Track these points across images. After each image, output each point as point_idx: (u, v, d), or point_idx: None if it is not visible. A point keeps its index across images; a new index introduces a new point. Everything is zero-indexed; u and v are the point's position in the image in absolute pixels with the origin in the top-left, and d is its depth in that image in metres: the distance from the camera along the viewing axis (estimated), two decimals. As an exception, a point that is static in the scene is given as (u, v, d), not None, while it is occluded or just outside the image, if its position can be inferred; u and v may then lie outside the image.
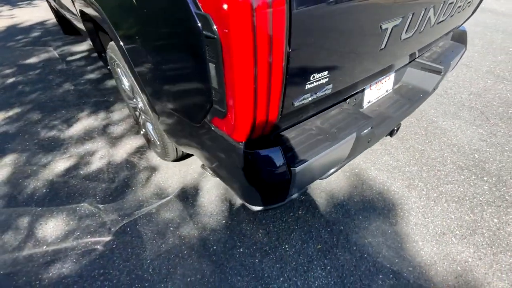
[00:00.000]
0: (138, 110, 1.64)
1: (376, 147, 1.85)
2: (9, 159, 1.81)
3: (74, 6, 1.58)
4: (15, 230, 1.38)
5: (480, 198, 1.52)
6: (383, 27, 0.73)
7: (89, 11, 1.22)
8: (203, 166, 1.24)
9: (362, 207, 1.48)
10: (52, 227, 1.39)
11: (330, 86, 0.74)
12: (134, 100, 1.58)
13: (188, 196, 1.54)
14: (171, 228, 1.38)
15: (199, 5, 0.54)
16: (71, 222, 1.41)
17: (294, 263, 1.24)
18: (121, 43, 0.99)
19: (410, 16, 0.81)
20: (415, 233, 1.35)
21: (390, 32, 0.78)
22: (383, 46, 0.80)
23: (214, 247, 1.30)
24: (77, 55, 3.24)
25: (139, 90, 1.16)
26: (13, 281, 1.19)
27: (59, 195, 1.56)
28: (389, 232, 1.36)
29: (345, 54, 0.71)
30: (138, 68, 1.00)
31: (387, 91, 1.35)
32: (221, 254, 1.28)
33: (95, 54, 3.20)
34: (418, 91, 1.36)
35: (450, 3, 0.99)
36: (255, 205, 0.92)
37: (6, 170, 1.72)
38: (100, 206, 1.49)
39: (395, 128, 1.30)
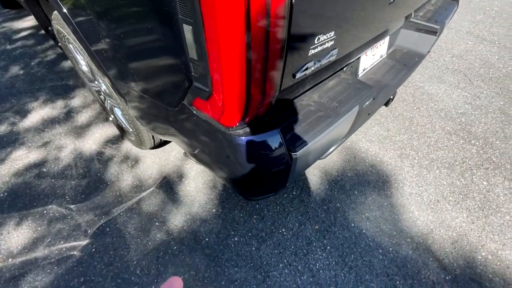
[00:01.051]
0: (102, 93, 1.42)
1: (365, 117, 1.78)
2: (-47, 161, 1.54)
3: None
4: (-29, 244, 1.19)
5: (469, 162, 1.52)
6: (397, -28, 0.59)
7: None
8: (185, 154, 1.09)
9: (356, 181, 1.43)
10: (17, 236, 1.21)
11: (336, 50, 0.61)
12: (96, 82, 1.35)
13: (171, 186, 1.41)
14: (157, 223, 1.26)
15: None
16: (40, 228, 1.24)
17: (293, 247, 1.19)
18: (65, 10, 0.77)
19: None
20: (411, 203, 1.34)
21: (402, -19, 0.64)
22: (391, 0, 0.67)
23: (207, 239, 1.21)
24: (23, 32, 2.78)
25: (98, 70, 0.96)
26: (-24, 302, 1.04)
27: (21, 198, 1.36)
28: (385, 205, 1.33)
29: (355, 8, 0.57)
30: (92, 42, 0.80)
31: (381, 56, 1.24)
32: (215, 245, 1.19)
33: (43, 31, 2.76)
34: (413, 55, 1.26)
35: None
36: (252, 197, 0.81)
37: (-50, 175, 1.47)
38: (72, 206, 1.32)
39: (391, 97, 1.21)
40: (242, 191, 0.76)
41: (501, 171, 1.47)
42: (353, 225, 1.26)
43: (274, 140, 0.62)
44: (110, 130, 1.70)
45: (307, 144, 0.69)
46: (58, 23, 1.13)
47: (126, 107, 1.04)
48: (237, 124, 0.60)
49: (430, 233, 1.23)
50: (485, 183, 1.42)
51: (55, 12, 1.08)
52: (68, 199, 1.35)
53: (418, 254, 1.16)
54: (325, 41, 0.55)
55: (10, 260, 1.14)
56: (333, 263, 1.14)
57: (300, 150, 0.68)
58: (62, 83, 2.09)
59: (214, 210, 1.31)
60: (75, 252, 1.17)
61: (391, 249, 1.18)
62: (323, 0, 0.47)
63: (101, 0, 0.60)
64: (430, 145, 1.62)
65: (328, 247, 1.18)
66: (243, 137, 0.60)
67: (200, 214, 1.29)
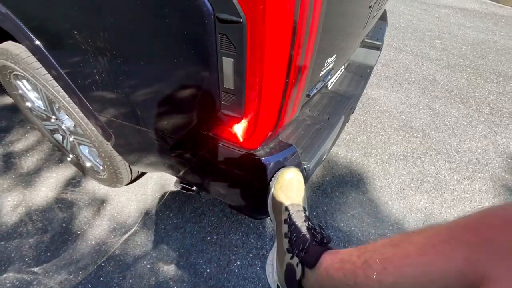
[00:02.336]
0: (60, 132, 1.26)
1: (328, 124, 1.96)
2: None
3: None
4: None
5: (417, 152, 1.80)
6: (370, 4, 0.72)
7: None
8: (176, 184, 1.04)
9: (335, 183, 1.55)
10: (-36, 323, 0.96)
11: (333, 70, 0.69)
12: (53, 120, 1.20)
13: (156, 221, 1.30)
14: (148, 265, 1.14)
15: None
16: (-5, 306, 1.00)
17: (295, 257, 1.21)
18: (37, 43, 0.69)
19: (381, -7, 0.82)
20: (383, 195, 1.51)
21: (371, 9, 0.77)
22: (365, 24, 0.79)
23: (208, 270, 1.15)
24: None
25: (73, 106, 0.86)
26: None
27: (-40, 274, 1.08)
28: (364, 201, 1.47)
29: (346, 35, 0.67)
30: (75, 76, 0.72)
31: (341, 70, 1.41)
32: (218, 275, 1.14)
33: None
34: (365, 67, 1.47)
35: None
36: (263, 215, 0.82)
37: None
38: (36, 269, 1.11)
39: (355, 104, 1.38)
40: (255, 211, 0.77)
41: (441, 156, 1.77)
42: (342, 224, 1.35)
43: (294, 156, 0.66)
44: (68, 172, 1.49)
45: (315, 155, 0.75)
46: (6, 59, 0.98)
47: (105, 144, 0.95)
48: (259, 146, 0.62)
49: (405, 218, 1.40)
50: (432, 167, 1.70)
51: (2, 45, 0.95)
52: (29, 262, 1.13)
53: (401, 239, 1.31)
54: (330, 63, 0.62)
55: None
56: (335, 264, 1.20)
57: (312, 162, 0.73)
58: (-8, 125, 1.76)
59: (208, 238, 1.26)
60: (52, 323, 0.97)
61: (379, 239, 1.30)
62: (335, 29, 0.55)
63: (108, 35, 0.56)
64: (385, 142, 1.86)
65: (327, 250, 1.24)
66: (268, 157, 0.62)
67: (195, 245, 1.22)
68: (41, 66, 0.79)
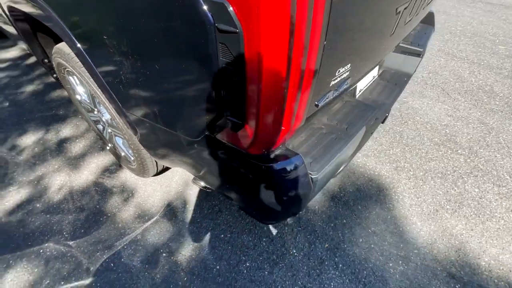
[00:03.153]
0: (101, 123, 1.40)
1: (359, 133, 1.86)
2: None
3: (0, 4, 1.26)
4: (-42, 293, 1.09)
5: (459, 171, 1.61)
6: (398, 10, 0.67)
7: (25, 7, 0.96)
8: (194, 180, 1.09)
9: (358, 196, 1.47)
10: (12, 281, 1.13)
11: (350, 80, 0.66)
12: (96, 112, 1.34)
13: (176, 213, 1.38)
14: (164, 254, 1.22)
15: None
16: (36, 269, 1.16)
17: (305, 267, 1.18)
18: (79, 45, 0.78)
19: (415, -2, 0.76)
20: (412, 214, 1.38)
21: (400, 16, 0.72)
22: (392, 31, 0.74)
23: (217, 267, 1.18)
24: (6, 63, 2.72)
25: (106, 101, 0.96)
26: None
27: (14, 238, 1.27)
28: (389, 218, 1.37)
29: (364, 43, 0.64)
30: (109, 77, 0.81)
31: (373, 77, 1.33)
32: (227, 273, 1.16)
33: (31, 61, 2.71)
34: (402, 75, 1.36)
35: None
36: (273, 221, 0.81)
37: None
38: (71, 243, 1.26)
39: (387, 114, 1.29)
40: (265, 216, 0.77)
41: (489, 178, 1.57)
42: (361, 240, 1.28)
43: (299, 165, 0.65)
44: (107, 159, 1.66)
45: (325, 167, 0.73)
46: (59, 57, 1.13)
47: (133, 138, 1.04)
48: (264, 152, 0.62)
49: (435, 243, 1.27)
50: (476, 190, 1.51)
51: (60, 45, 1.09)
52: (66, 235, 1.28)
53: (426, 265, 1.19)
54: (343, 72, 0.60)
55: (5, 308, 1.05)
56: (347, 281, 1.14)
57: (321, 173, 0.71)
58: (52, 113, 2.03)
59: (222, 235, 1.29)
60: (78, 293, 1.09)
61: (400, 262, 1.20)
62: (346, 39, 0.53)
63: (117, 41, 0.62)
64: (422, 156, 1.70)
65: (340, 265, 1.19)
66: (273, 164, 0.62)
67: (208, 240, 1.27)
68: (84, 65, 0.89)
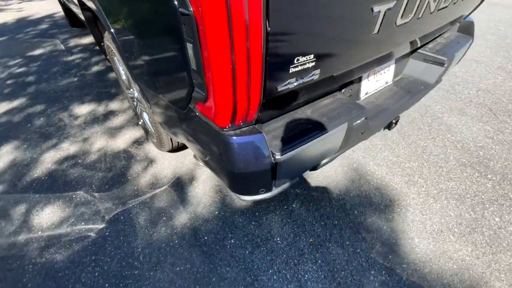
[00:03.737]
0: (135, 99, 1.64)
1: (376, 141, 1.81)
2: (11, 147, 1.84)
3: (74, -5, 1.58)
4: (12, 215, 1.41)
5: (482, 196, 1.46)
6: (375, 9, 0.70)
7: (87, 1, 1.22)
8: (195, 156, 1.23)
9: (358, 202, 1.45)
10: (48, 214, 1.41)
11: (318, 71, 0.71)
12: (131, 89, 1.58)
13: (182, 186, 1.54)
14: (164, 218, 1.39)
15: (175, -19, 0.52)
16: (67, 210, 1.43)
17: (284, 256, 1.23)
18: (112, 30, 0.98)
19: (406, 0, 0.77)
20: (411, 230, 1.32)
21: (383, 16, 0.74)
22: (375, 31, 0.76)
23: (205, 238, 1.30)
24: (82, 47, 3.27)
25: (132, 79, 1.16)
26: (7, 264, 1.22)
27: (57, 183, 1.58)
28: (384, 228, 1.33)
29: (333, 38, 0.68)
30: (128, 55, 0.99)
31: (386, 83, 1.31)
32: (212, 244, 1.27)
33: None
34: (419, 83, 1.31)
35: (452, -11, 0.94)
36: (241, 194, 0.90)
37: (7, 158, 1.76)
38: (96, 194, 1.51)
39: (393, 121, 1.26)
40: (231, 186, 0.86)
41: (517, 209, 1.39)
42: (348, 243, 1.27)
43: (259, 142, 0.72)
44: (137, 133, 1.92)
45: (291, 151, 0.79)
46: (108, 40, 1.38)
47: (150, 111, 1.22)
48: (229, 125, 0.71)
49: (429, 262, 1.20)
50: (497, 219, 1.36)
51: (107, 32, 1.34)
52: (94, 188, 1.54)
53: (412, 281, 1.14)
54: (305, 62, 0.66)
55: (39, 232, 1.33)
56: (322, 276, 1.15)
57: (285, 155, 0.77)
58: (106, 90, 2.41)
59: (216, 212, 1.41)
60: (91, 234, 1.32)
61: (383, 272, 1.17)
62: (299, 30, 0.59)
63: (136, 24, 0.79)
64: (441, 175, 1.59)
65: (320, 261, 1.21)
66: (233, 137, 0.71)
67: (204, 214, 1.40)
68: (116, 47, 1.10)
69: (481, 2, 1.41)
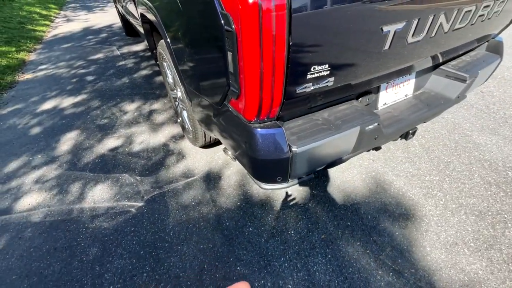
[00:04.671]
0: (177, 100, 1.89)
1: (398, 153, 1.85)
2: (74, 134, 2.19)
3: (137, 11, 1.90)
4: (72, 188, 1.70)
5: (505, 216, 1.44)
6: (385, 29, 0.82)
7: (149, 15, 1.49)
8: (224, 150, 1.41)
9: (373, 208, 1.51)
10: (99, 189, 1.68)
11: (332, 79, 0.85)
12: (175, 91, 1.83)
13: (211, 178, 1.73)
14: (193, 203, 1.57)
15: (223, 6, 0.71)
16: (114, 188, 1.69)
17: (297, 247, 1.33)
18: (168, 40, 1.22)
19: (416, 21, 0.88)
20: (424, 239, 1.35)
21: (393, 35, 0.86)
22: (386, 47, 0.88)
23: (227, 223, 1.46)
24: (133, 53, 3.72)
25: (179, 80, 1.38)
26: (66, 226, 1.48)
27: (108, 165, 1.86)
28: (396, 234, 1.37)
29: (345, 52, 0.82)
30: (179, 60, 1.22)
31: (406, 95, 1.39)
32: (232, 230, 1.42)
33: (148, 54, 3.64)
34: (439, 98, 1.37)
35: (467, 12, 1.02)
36: (261, 181, 1.05)
37: (70, 142, 2.10)
38: (138, 178, 1.75)
39: (410, 132, 1.33)
40: (253, 173, 1.01)
41: (542, 231, 1.35)
42: (358, 243, 1.34)
43: (279, 135, 0.87)
44: (176, 130, 2.17)
45: (306, 145, 0.92)
46: (161, 48, 1.65)
47: (190, 109, 1.44)
48: (255, 119, 0.87)
49: (438, 271, 1.22)
50: (519, 239, 1.33)
51: (161, 41, 1.60)
52: (137, 172, 1.79)
53: (419, 286, 1.17)
54: (320, 70, 0.80)
55: (92, 204, 1.59)
56: (330, 270, 1.24)
57: (300, 148, 0.91)
58: (152, 91, 2.74)
59: (238, 203, 1.56)
60: (132, 209, 1.55)
61: (391, 273, 1.22)
62: (316, 44, 0.74)
63: (189, 35, 0.99)
64: (463, 191, 1.58)
65: (329, 256, 1.29)
66: (258, 129, 0.87)
67: (227, 204, 1.56)
68: (169, 54, 1.34)
69: (510, 23, 1.44)
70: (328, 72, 0.82)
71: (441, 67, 1.40)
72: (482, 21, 1.16)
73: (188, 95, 1.30)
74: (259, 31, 0.65)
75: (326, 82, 0.85)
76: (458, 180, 1.65)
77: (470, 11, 1.04)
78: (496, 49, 1.52)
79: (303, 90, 0.83)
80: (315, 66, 0.78)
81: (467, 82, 1.34)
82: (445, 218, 1.44)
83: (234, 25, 0.68)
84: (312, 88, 0.84)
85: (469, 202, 1.52)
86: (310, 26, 0.70)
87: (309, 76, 0.80)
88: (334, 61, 0.82)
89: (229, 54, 0.75)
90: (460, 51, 1.35)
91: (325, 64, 0.80)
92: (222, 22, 0.72)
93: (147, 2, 1.49)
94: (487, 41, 1.54)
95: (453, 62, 1.43)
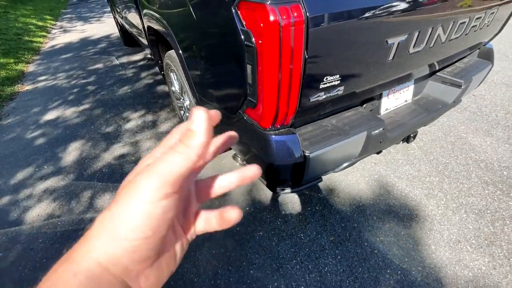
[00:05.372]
0: (183, 108, 1.94)
1: (398, 156, 1.92)
2: (79, 143, 2.21)
3: (142, 23, 1.96)
4: (81, 198, 1.72)
5: (503, 213, 1.51)
6: (389, 42, 0.89)
7: (157, 26, 1.55)
8: (234, 156, 1.45)
9: (377, 209, 1.56)
10: (108, 199, 1.70)
11: (342, 88, 0.91)
12: (181, 100, 1.88)
13: (218, 185, 1.76)
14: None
15: (243, 23, 0.76)
16: (123, 196, 1.71)
17: (307, 249, 1.37)
18: (180, 52, 1.27)
19: (416, 33, 0.95)
20: (429, 238, 1.40)
21: (397, 47, 0.93)
22: (390, 58, 0.95)
23: (238, 229, 1.49)
24: (134, 63, 3.77)
25: (189, 90, 1.43)
26: (78, 235, 1.49)
27: (115, 174, 1.88)
28: (402, 234, 1.43)
29: (354, 63, 0.88)
30: (191, 71, 1.27)
31: (406, 101, 1.46)
32: (243, 235, 1.46)
33: (148, 63, 3.69)
34: (437, 103, 1.45)
35: (462, 23, 1.11)
36: (275, 185, 1.09)
37: (76, 152, 2.12)
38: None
39: (411, 135, 1.40)
40: (269, 178, 1.05)
41: (539, 227, 1.42)
42: (366, 244, 1.39)
43: (293, 141, 0.92)
44: (181, 138, 2.20)
45: (318, 150, 0.97)
46: (168, 59, 1.70)
47: (199, 117, 1.48)
48: (270, 126, 0.92)
49: (444, 268, 1.28)
50: (517, 235, 1.40)
51: (170, 52, 1.65)
52: (145, 181, 1.81)
53: (427, 283, 1.22)
54: (332, 80, 0.86)
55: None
56: (341, 270, 1.28)
57: (313, 153, 0.96)
58: (154, 100, 2.78)
59: (247, 208, 1.60)
60: (143, 217, 1.57)
61: (399, 272, 1.27)
62: (329, 56, 0.80)
63: (205, 48, 1.05)
64: (462, 190, 1.65)
65: (339, 257, 1.34)
66: (273, 136, 0.92)
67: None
68: (180, 64, 1.39)
69: (499, 31, 1.54)
70: (338, 82, 0.88)
71: (438, 73, 1.48)
72: (475, 31, 1.24)
73: (199, 104, 1.35)
74: (278, 46, 0.71)
75: (337, 91, 0.91)
76: (456, 180, 1.72)
77: (464, 22, 1.12)
78: (487, 56, 1.62)
79: (316, 99, 0.89)
80: (327, 77, 0.84)
81: (462, 87, 1.42)
82: (447, 217, 1.50)
83: (254, 40, 0.74)
84: (324, 97, 0.89)
85: (469, 201, 1.58)
86: (324, 39, 0.76)
87: (321, 86, 0.86)
88: (344, 72, 0.88)
89: (248, 67, 0.81)
90: (455, 59, 1.44)
91: (336, 75, 0.86)
92: (243, 37, 0.77)
93: (155, 14, 1.54)
94: (478, 49, 1.63)
95: (448, 69, 1.52)
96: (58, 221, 1.58)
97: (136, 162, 1.97)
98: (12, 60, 3.95)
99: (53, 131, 2.40)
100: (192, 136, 0.22)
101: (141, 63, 3.75)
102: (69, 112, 2.68)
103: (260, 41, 0.73)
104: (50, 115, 2.65)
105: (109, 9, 4.98)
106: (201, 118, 0.22)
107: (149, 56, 3.72)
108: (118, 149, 2.11)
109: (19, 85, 3.34)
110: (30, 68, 3.90)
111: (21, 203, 1.70)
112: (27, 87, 3.31)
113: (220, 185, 0.30)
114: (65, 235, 1.50)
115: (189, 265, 1.33)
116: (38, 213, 1.64)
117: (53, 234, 1.51)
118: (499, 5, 1.27)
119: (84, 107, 2.74)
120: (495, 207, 1.54)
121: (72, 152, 2.12)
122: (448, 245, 1.37)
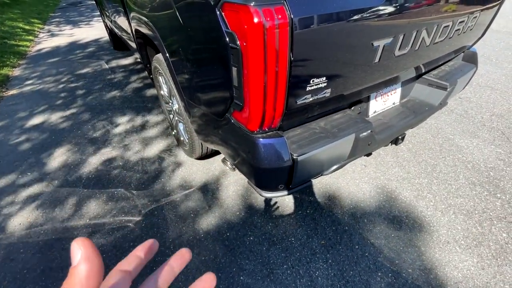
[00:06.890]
0: (172, 112, 1.91)
1: (388, 158, 1.93)
2: (65, 149, 2.15)
3: (130, 26, 1.93)
4: (65, 205, 1.66)
5: (491, 213, 1.53)
6: (375, 44, 0.90)
7: (144, 30, 1.52)
8: (223, 160, 1.43)
9: (368, 211, 1.56)
10: (95, 205, 1.65)
11: (329, 90, 0.91)
12: (170, 103, 1.85)
13: (209, 189, 1.74)
14: (192, 215, 1.57)
15: (228, 25, 0.75)
16: (110, 203, 1.66)
17: (298, 254, 1.36)
18: (167, 55, 1.25)
19: (401, 36, 0.96)
20: (418, 239, 1.41)
21: (382, 49, 0.94)
22: (376, 60, 0.96)
23: (227, 234, 1.46)
24: (123, 67, 3.72)
25: (177, 94, 1.41)
26: (61, 244, 1.44)
27: (102, 180, 1.83)
28: (392, 236, 1.43)
29: (341, 65, 0.88)
30: (178, 75, 1.25)
31: (393, 103, 1.48)
32: (233, 240, 1.43)
33: (138, 67, 3.65)
34: (424, 105, 1.46)
35: (445, 27, 1.13)
36: (263, 189, 1.08)
37: (61, 158, 2.06)
38: (134, 192, 1.74)
39: (400, 137, 1.41)
40: (256, 181, 1.04)
41: (524, 227, 1.44)
42: (357, 247, 1.38)
43: (281, 144, 0.91)
44: (170, 142, 2.17)
45: (307, 153, 0.97)
46: (156, 62, 1.67)
47: (189, 121, 1.46)
48: (257, 130, 0.91)
49: (434, 269, 1.28)
50: (505, 235, 1.42)
51: (158, 55, 1.63)
52: (133, 186, 1.77)
53: (417, 285, 1.22)
54: (319, 83, 0.85)
55: (87, 220, 1.56)
56: (332, 274, 1.27)
57: (301, 156, 0.95)
58: (143, 105, 2.74)
59: (238, 213, 1.58)
60: (130, 224, 1.53)
61: (390, 274, 1.26)
62: (315, 59, 0.80)
63: (191, 51, 1.03)
64: (450, 191, 1.67)
65: (330, 261, 1.32)
66: (260, 139, 0.90)
67: (226, 214, 1.57)
68: (167, 68, 1.37)
69: (482, 35, 1.58)
70: (325, 84, 0.88)
71: (424, 76, 1.50)
72: (458, 34, 1.27)
73: (187, 107, 1.33)
74: (263, 48, 0.70)
75: (324, 94, 0.91)
76: (445, 181, 1.74)
77: (447, 26, 1.14)
78: (472, 59, 1.66)
79: (303, 101, 0.88)
80: (314, 79, 0.84)
81: (448, 89, 1.44)
82: (436, 219, 1.51)
83: (239, 42, 0.73)
84: (311, 99, 0.89)
85: (457, 202, 1.60)
86: (309, 42, 0.76)
87: (308, 88, 0.85)
88: (331, 74, 0.88)
89: (234, 69, 0.80)
90: (440, 62, 1.46)
91: (323, 77, 0.86)
92: (227, 39, 0.76)
93: (142, 17, 1.52)
94: (463, 52, 1.67)
95: (434, 72, 1.55)
96: (41, 230, 1.52)
97: (124, 168, 1.93)
98: (-4, 64, 3.84)
99: (38, 137, 2.33)
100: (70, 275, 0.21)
101: (131, 67, 3.70)
102: (56, 117, 2.61)
103: (244, 43, 0.72)
104: (35, 120, 2.58)
105: (99, 13, 4.92)
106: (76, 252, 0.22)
107: (138, 60, 3.68)
108: (105, 155, 2.06)
109: (3, 90, 3.25)
110: (16, 72, 3.80)
111: (2, 211, 1.63)
112: (12, 91, 3.22)
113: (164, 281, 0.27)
114: (48, 244, 1.44)
115: (178, 272, 1.29)
116: (19, 221, 1.57)
117: (35, 243, 1.45)
118: (481, 10, 1.30)
119: (71, 112, 2.68)
120: (482, 207, 1.56)
121: (57, 158, 2.05)
122: (438, 246, 1.37)
